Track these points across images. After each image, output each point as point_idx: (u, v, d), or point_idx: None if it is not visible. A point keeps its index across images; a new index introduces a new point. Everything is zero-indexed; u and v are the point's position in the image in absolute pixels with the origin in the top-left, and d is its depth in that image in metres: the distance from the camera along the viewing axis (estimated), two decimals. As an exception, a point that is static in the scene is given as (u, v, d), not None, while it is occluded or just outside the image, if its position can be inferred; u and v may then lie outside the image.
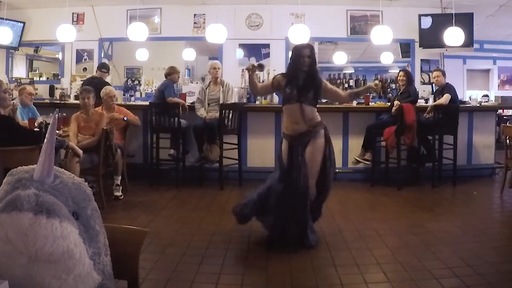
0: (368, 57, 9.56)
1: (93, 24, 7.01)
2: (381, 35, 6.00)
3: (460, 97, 6.40)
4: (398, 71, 6.02)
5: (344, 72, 9.24)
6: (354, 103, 6.24)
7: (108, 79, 6.40)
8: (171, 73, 5.85)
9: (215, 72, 5.65)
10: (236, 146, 5.49)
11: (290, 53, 6.60)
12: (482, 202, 4.97)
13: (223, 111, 5.23)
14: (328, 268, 2.95)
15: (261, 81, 6.67)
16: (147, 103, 5.77)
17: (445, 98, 5.49)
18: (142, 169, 5.68)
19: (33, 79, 7.51)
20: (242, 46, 6.98)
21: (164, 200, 4.77)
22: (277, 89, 3.60)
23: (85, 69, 7.07)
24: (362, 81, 7.98)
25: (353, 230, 3.71)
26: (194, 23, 7.00)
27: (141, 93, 7.31)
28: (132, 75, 8.33)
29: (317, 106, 3.49)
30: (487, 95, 9.57)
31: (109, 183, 4.75)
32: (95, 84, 5.29)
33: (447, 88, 5.64)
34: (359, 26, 6.91)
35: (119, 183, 4.77)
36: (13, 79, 6.99)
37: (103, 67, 6.19)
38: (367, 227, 3.79)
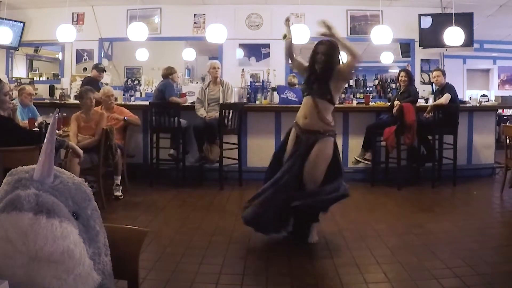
0: (368, 57, 9.54)
1: (93, 24, 7.02)
2: (381, 35, 6.00)
3: (460, 97, 6.41)
4: (399, 71, 6.02)
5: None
6: (354, 103, 6.26)
7: (108, 79, 6.40)
8: (171, 73, 5.86)
9: (215, 72, 5.64)
10: (236, 146, 5.48)
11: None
12: (482, 202, 4.96)
13: (223, 111, 5.22)
14: (328, 268, 2.95)
15: (260, 81, 6.70)
16: (147, 103, 5.77)
17: (445, 98, 5.49)
18: (142, 169, 5.67)
19: (33, 79, 7.52)
20: (242, 46, 6.99)
21: (164, 200, 4.77)
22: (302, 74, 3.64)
23: (85, 69, 7.08)
24: (362, 81, 7.98)
25: (353, 230, 3.71)
26: (194, 23, 7.01)
27: (141, 93, 7.32)
28: (132, 75, 8.34)
29: None
30: (485, 95, 9.58)
31: (109, 183, 4.75)
32: (86, 83, 5.29)
33: (447, 88, 5.64)
34: (359, 26, 6.92)
35: (119, 183, 4.77)
36: (13, 79, 7.00)
37: (96, 68, 6.20)
38: (367, 227, 3.79)
